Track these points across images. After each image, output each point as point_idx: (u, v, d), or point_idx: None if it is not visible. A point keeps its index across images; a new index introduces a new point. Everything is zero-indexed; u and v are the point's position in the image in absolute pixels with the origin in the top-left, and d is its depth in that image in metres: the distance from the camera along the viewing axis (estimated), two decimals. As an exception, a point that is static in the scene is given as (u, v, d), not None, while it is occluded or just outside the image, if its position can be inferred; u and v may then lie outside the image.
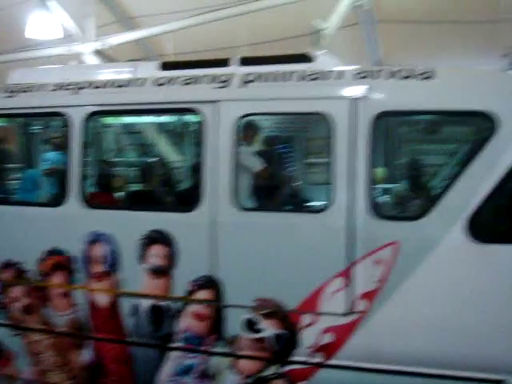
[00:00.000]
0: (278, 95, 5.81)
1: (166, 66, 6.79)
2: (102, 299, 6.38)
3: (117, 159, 9.18)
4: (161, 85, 6.27)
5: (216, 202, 5.85)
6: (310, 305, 5.63)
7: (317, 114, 5.76)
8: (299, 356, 5.77)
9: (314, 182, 8.06)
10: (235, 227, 5.85)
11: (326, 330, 5.65)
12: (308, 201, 7.26)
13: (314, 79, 5.77)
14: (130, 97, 6.34)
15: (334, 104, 5.60)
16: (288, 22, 16.18)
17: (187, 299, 6.01)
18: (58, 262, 6.48)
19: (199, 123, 6.05)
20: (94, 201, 6.60)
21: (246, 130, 6.32)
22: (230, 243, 5.86)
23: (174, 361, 6.19)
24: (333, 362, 5.67)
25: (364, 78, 5.64)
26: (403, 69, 5.63)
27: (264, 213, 6.04)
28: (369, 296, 5.49)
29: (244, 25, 14.39)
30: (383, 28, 17.07)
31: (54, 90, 6.68)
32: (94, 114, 6.45)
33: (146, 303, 6.19)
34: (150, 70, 6.74)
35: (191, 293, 6.00)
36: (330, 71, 5.81)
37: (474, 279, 5.28)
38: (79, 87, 6.56)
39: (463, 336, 5.34)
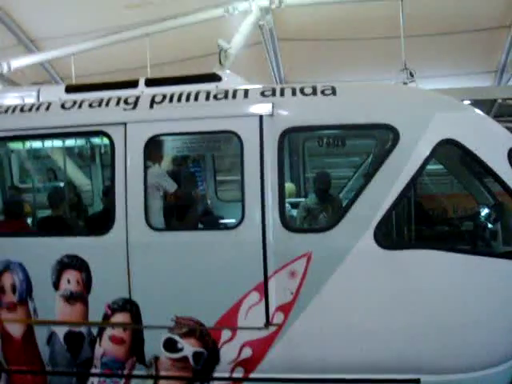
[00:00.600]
0: (186, 115, 5.87)
1: (71, 89, 6.73)
2: (15, 330, 6.18)
3: (24, 185, 8.94)
4: (67, 108, 6.20)
5: (129, 223, 5.83)
6: (229, 320, 5.70)
7: (225, 132, 5.88)
8: (221, 372, 5.82)
9: (225, 200, 8.17)
10: (148, 248, 5.84)
11: (245, 345, 5.73)
12: (220, 218, 7.36)
13: (221, 98, 5.88)
14: (35, 121, 6.21)
15: (241, 122, 5.72)
16: (193, 42, 16.35)
17: (104, 323, 5.95)
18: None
19: (108, 146, 6.03)
20: (1, 229, 6.42)
21: (155, 151, 6.33)
22: (143, 264, 5.84)
23: (93, 387, 6.10)
24: (254, 375, 5.76)
25: (269, 95, 5.81)
26: (305, 86, 5.84)
27: (177, 232, 6.08)
28: (285, 308, 5.61)
29: (149, 45, 14.43)
30: (285, 46, 17.59)
31: None
32: None
33: (62, 330, 6.06)
34: (54, 94, 6.65)
35: (108, 317, 5.94)
36: (236, 90, 5.93)
37: (384, 284, 5.52)
38: None
39: (379, 340, 5.55)
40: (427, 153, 5.47)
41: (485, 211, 6.53)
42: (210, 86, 6.21)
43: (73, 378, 6.16)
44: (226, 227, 6.31)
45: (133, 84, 6.55)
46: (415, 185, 5.66)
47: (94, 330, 6.02)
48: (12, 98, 6.72)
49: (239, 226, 5.71)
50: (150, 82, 6.53)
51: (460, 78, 18.62)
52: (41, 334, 6.14)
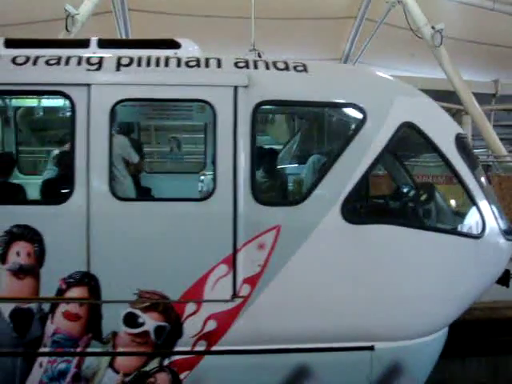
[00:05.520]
0: (157, 80, 5.65)
1: (12, 43, 6.09)
2: (-49, 307, 5.62)
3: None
4: (19, 64, 5.66)
5: (91, 192, 5.51)
6: (195, 293, 5.63)
7: (198, 100, 5.77)
8: (183, 346, 5.74)
9: (195, 171, 7.96)
10: (112, 218, 5.58)
11: (210, 317, 5.69)
12: (192, 189, 7.15)
13: (194, 66, 5.74)
14: None
15: (215, 91, 5.63)
16: (41, 5, 15.70)
17: (58, 299, 5.59)
18: None
19: (67, 107, 5.64)
20: None
21: (120, 116, 6.02)
22: (105, 235, 5.56)
23: (43, 367, 5.68)
24: (217, 348, 5.75)
25: (243, 67, 5.79)
26: (277, 61, 5.91)
27: (144, 202, 5.87)
28: (252, 280, 5.67)
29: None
30: (135, 17, 17.44)
31: None
32: None
33: (7, 307, 5.57)
34: None
35: (62, 291, 5.58)
36: (208, 58, 5.83)
37: (347, 257, 5.77)
38: None
39: (340, 311, 5.81)
40: (391, 134, 5.79)
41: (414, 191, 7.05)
42: (168, 52, 6.01)
43: (17, 359, 5.73)
44: (196, 198, 6.18)
45: (83, 43, 6.13)
46: (379, 164, 5.95)
47: (46, 307, 5.61)
48: None
49: (210, 197, 5.65)
50: (104, 43, 6.14)
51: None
52: None
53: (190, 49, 6.23)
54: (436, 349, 6.36)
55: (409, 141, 6.08)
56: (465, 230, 6.18)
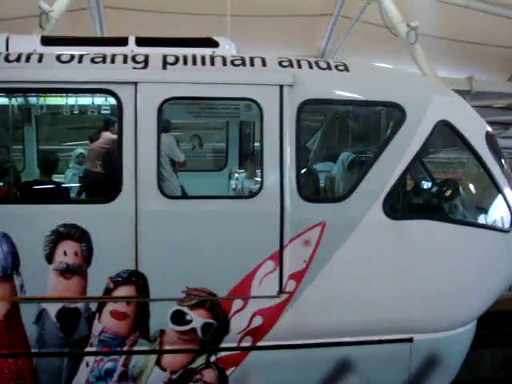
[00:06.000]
0: (204, 79, 5.66)
1: (48, 40, 6.06)
2: (-5, 309, 5.54)
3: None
4: (64, 62, 5.60)
5: (139, 190, 5.49)
6: (242, 290, 5.69)
7: (245, 99, 5.82)
8: (229, 342, 5.80)
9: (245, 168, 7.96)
10: (161, 216, 5.58)
11: (256, 313, 5.77)
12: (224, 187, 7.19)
13: (239, 65, 5.78)
14: (25, 74, 5.51)
15: (262, 90, 5.68)
16: (14, 2, 15.47)
17: (106, 298, 5.57)
18: None
19: (114, 106, 5.60)
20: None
21: (167, 114, 6.00)
22: (154, 234, 5.56)
23: (89, 367, 5.67)
24: (262, 343, 5.82)
25: (287, 66, 5.86)
26: (319, 60, 6.00)
27: (192, 200, 5.88)
28: (297, 276, 5.76)
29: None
30: (111, 14, 17.30)
31: None
32: None
33: (54, 307, 5.54)
34: (27, 45, 5.92)
35: (110, 290, 5.57)
36: (253, 57, 5.87)
37: (388, 251, 5.92)
38: None
39: (381, 304, 5.95)
40: (429, 132, 5.95)
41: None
42: (207, 51, 6.03)
43: (64, 359, 5.68)
44: (244, 196, 6.22)
45: (122, 41, 6.11)
46: (418, 161, 6.11)
47: (93, 306, 5.60)
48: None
49: (257, 195, 5.72)
50: (142, 41, 6.14)
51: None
52: (28, 312, 5.52)
53: (227, 47, 6.27)
54: (468, 339, 6.57)
55: (443, 138, 6.25)
56: (495, 223, 6.39)
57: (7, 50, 5.97)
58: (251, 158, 8.35)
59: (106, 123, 7.48)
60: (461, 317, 6.30)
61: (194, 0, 17.39)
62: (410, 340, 6.08)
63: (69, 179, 8.05)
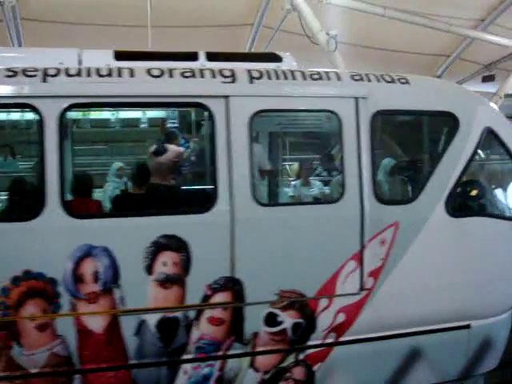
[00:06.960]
0: (290, 92, 5.95)
1: (121, 55, 6.11)
2: (97, 323, 5.49)
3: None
4: (156, 76, 5.69)
5: (234, 199, 5.69)
6: (328, 289, 6.03)
7: (325, 111, 6.15)
8: (315, 340, 6.12)
9: (326, 175, 8.15)
10: (255, 223, 5.79)
11: (340, 311, 6.13)
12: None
13: (317, 79, 6.11)
14: (120, 88, 5.57)
15: (340, 102, 6.06)
16: None
17: (205, 305, 5.70)
18: (32, 287, 5.34)
19: (205, 119, 5.74)
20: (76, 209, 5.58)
21: (256, 126, 6.18)
22: (249, 240, 5.77)
23: (187, 374, 5.78)
24: (344, 338, 6.19)
25: (359, 80, 6.26)
26: (384, 74, 6.44)
27: (283, 207, 6.12)
28: (375, 273, 6.18)
29: None
30: (29, 26, 16.77)
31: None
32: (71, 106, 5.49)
33: (154, 318, 5.61)
34: (99, 59, 5.95)
35: (208, 298, 5.72)
36: (328, 72, 6.22)
37: (450, 247, 6.47)
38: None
39: (445, 295, 6.49)
40: (478, 139, 6.56)
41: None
42: (271, 66, 6.32)
43: (162, 368, 5.76)
44: (328, 201, 6.51)
45: (192, 56, 6.29)
46: (471, 164, 6.71)
47: (191, 314, 5.72)
48: (49, 60, 5.75)
49: (340, 200, 6.07)
50: (212, 57, 6.35)
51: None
52: (128, 324, 5.56)
53: (290, 62, 6.63)
54: (511, 323, 7.27)
55: (488, 144, 6.91)
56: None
57: (80, 64, 5.99)
58: (305, 167, 8.78)
59: (169, 136, 7.52)
60: (508, 303, 6.99)
61: (114, 12, 17.09)
62: (468, 326, 6.66)
63: (110, 193, 8.06)
